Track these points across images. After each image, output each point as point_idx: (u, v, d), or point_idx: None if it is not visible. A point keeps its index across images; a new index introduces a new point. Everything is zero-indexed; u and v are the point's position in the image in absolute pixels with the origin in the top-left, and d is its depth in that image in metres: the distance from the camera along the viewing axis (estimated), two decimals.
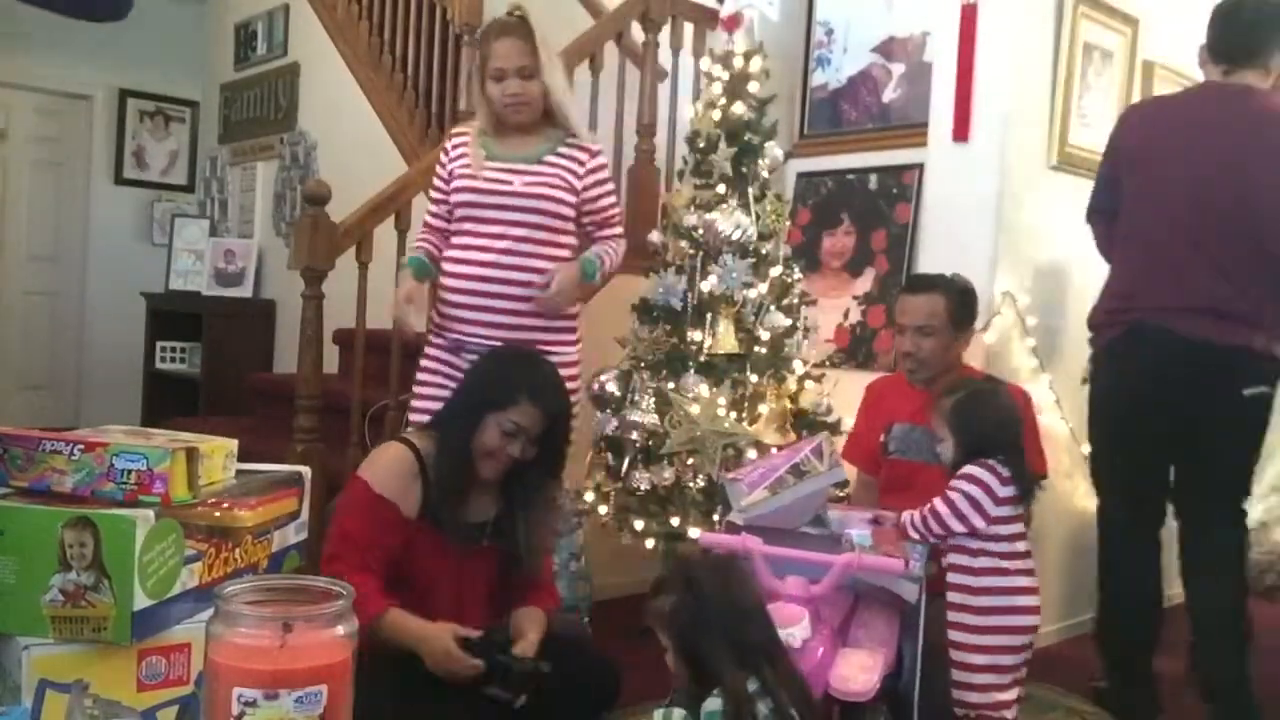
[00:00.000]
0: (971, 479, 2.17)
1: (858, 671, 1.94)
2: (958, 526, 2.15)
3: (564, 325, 2.71)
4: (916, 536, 2.18)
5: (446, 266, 2.68)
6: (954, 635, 2.19)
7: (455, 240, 2.68)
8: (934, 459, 2.44)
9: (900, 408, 2.73)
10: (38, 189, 6.10)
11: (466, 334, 2.64)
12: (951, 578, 2.21)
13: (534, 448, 2.17)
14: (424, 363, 2.77)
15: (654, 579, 1.87)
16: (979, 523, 2.15)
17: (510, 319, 2.61)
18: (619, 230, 2.83)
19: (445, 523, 2.15)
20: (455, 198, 2.67)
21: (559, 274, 2.60)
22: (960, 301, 2.67)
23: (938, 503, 2.17)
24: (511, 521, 2.23)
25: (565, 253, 2.69)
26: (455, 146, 2.73)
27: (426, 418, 2.55)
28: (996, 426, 2.23)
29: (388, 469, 2.16)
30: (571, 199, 2.68)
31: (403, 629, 2.01)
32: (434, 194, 2.77)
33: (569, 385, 2.50)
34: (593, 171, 2.73)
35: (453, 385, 2.59)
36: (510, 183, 2.62)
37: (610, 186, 2.81)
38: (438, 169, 2.76)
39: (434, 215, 2.77)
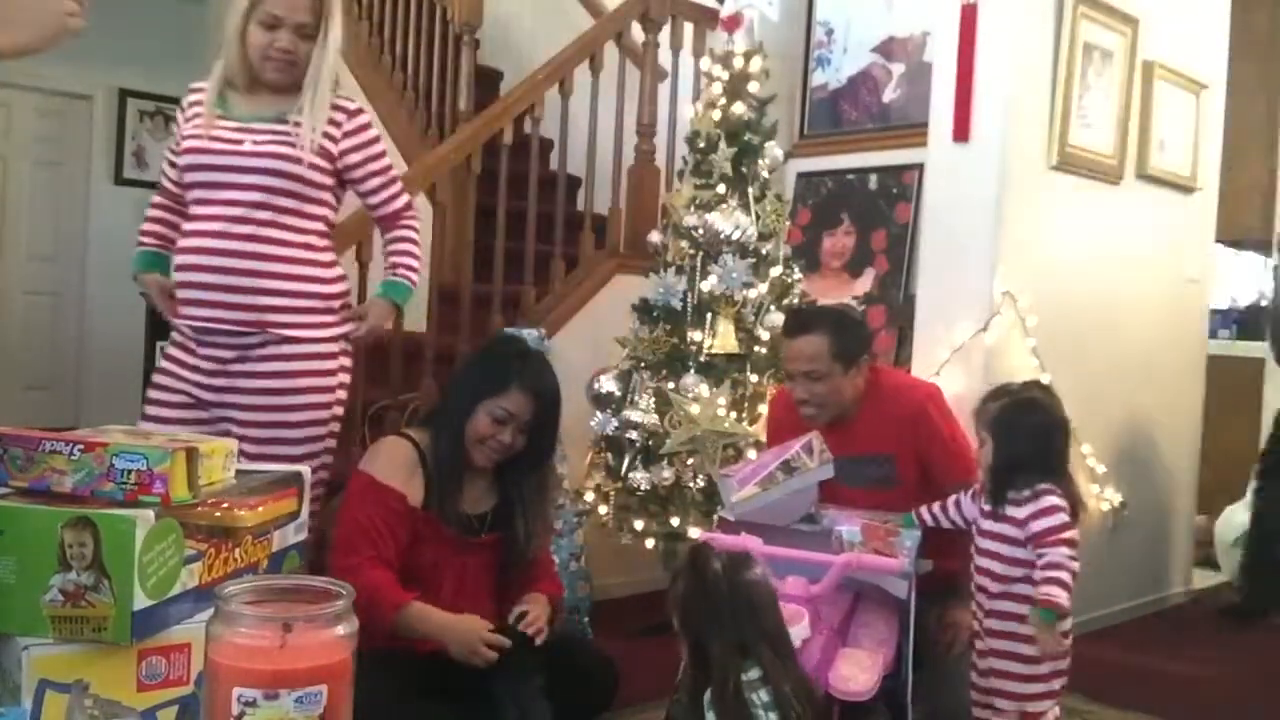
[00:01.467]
0: (1058, 511, 2.09)
1: (858, 671, 1.94)
2: (1078, 566, 2.08)
3: (312, 306, 2.28)
4: (1067, 604, 2.04)
5: (180, 243, 2.29)
6: (1013, 668, 2.11)
7: (188, 213, 2.30)
8: (862, 483, 2.45)
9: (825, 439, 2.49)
10: (38, 189, 6.09)
11: (206, 319, 2.23)
12: (1025, 589, 2.12)
13: (524, 436, 2.22)
14: (161, 362, 2.36)
15: (674, 567, 1.88)
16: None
17: (251, 298, 2.21)
18: (404, 201, 2.44)
19: (446, 513, 2.19)
20: (182, 160, 2.29)
21: (370, 320, 2.36)
22: (843, 337, 2.47)
23: (1061, 570, 2.04)
24: (509, 512, 2.27)
25: (316, 224, 2.30)
26: (190, 105, 2.32)
27: (160, 415, 2.27)
28: (1035, 440, 2.16)
29: (390, 460, 2.21)
30: (324, 164, 2.28)
31: (428, 618, 2.08)
32: (167, 155, 2.40)
33: (339, 379, 2.32)
34: (351, 134, 2.33)
35: (187, 383, 2.26)
36: (241, 143, 2.23)
37: (379, 148, 2.39)
38: (174, 130, 2.40)
39: (166, 181, 2.41)
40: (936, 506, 2.32)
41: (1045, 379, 3.20)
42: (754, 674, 1.66)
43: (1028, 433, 2.15)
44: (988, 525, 2.16)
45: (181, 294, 2.26)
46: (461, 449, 2.21)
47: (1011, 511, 2.11)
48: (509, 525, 2.27)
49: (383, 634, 2.02)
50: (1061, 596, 2.01)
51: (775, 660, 1.68)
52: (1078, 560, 2.06)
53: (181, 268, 2.26)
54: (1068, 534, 2.06)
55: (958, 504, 2.29)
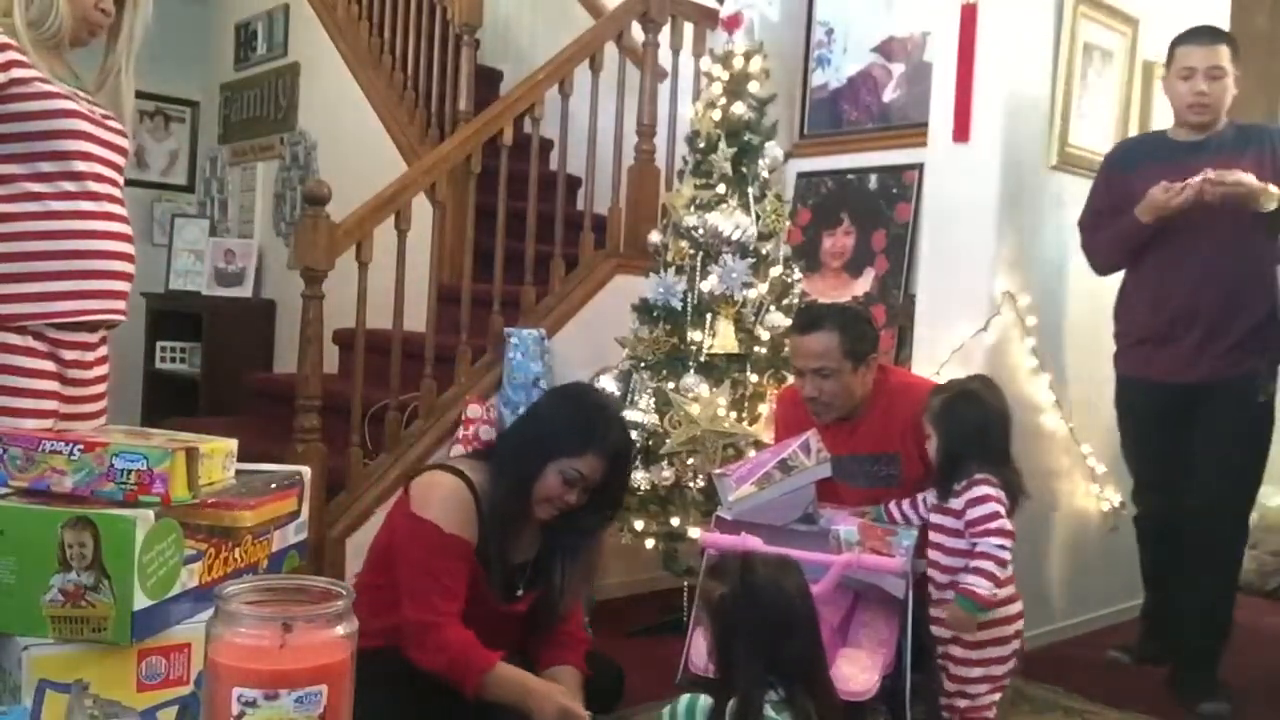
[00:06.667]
0: (989, 501, 2.14)
1: (858, 671, 1.95)
2: (1008, 556, 2.13)
3: None
4: (988, 595, 2.10)
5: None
6: (953, 650, 2.18)
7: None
8: (866, 481, 2.45)
9: (828, 440, 2.46)
10: None
11: None
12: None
13: (587, 495, 2.12)
14: None
15: (712, 563, 1.86)
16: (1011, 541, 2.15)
17: None
18: None
19: (492, 562, 2.10)
20: None
21: None
22: (854, 334, 2.47)
23: (988, 561, 2.10)
24: (550, 563, 2.18)
25: None
26: None
27: None
28: (974, 430, 2.21)
29: (452, 506, 2.07)
30: None
31: (512, 684, 1.99)
32: None
33: None
34: None
35: None
36: None
37: None
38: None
39: None
40: (906, 503, 2.34)
41: (1045, 379, 3.21)
42: (773, 698, 1.63)
43: (967, 425, 2.20)
44: (935, 519, 2.23)
45: None
46: (526, 504, 2.09)
47: (952, 503, 2.18)
48: (547, 577, 2.18)
49: (468, 693, 1.96)
50: (983, 587, 2.08)
51: (802, 688, 1.64)
52: (1009, 550, 2.12)
53: None
54: (998, 523, 2.12)
55: (925, 500, 2.31)
